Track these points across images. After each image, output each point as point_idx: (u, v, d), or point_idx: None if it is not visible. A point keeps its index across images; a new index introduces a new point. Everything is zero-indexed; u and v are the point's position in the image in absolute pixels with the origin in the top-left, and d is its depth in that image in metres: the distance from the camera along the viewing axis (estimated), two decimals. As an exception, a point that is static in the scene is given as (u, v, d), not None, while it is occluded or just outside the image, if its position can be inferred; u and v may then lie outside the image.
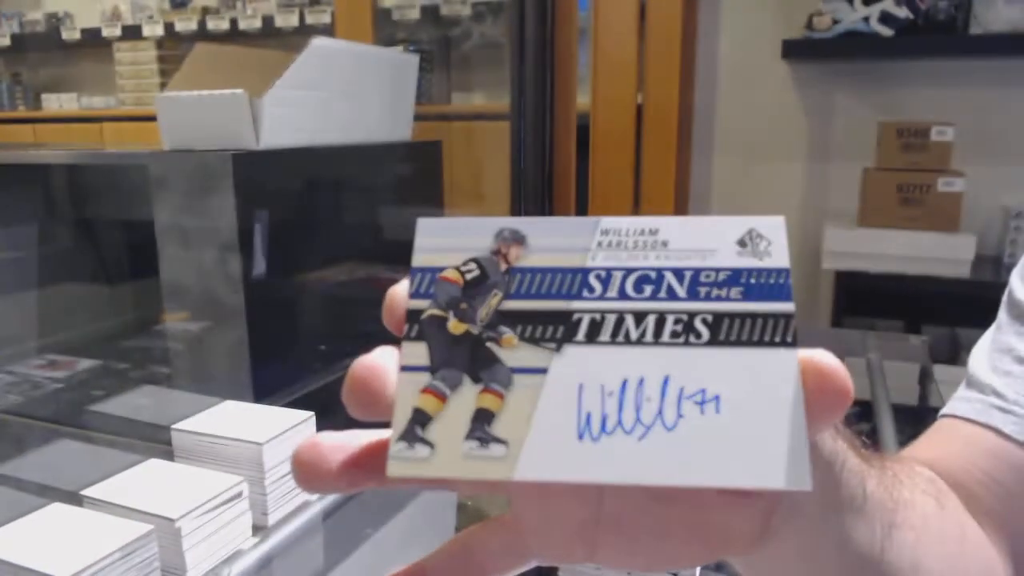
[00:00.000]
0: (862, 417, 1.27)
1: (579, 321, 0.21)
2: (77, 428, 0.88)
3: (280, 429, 0.66)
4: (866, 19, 1.94)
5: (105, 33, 3.35)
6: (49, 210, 1.17)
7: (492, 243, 0.23)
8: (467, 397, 0.21)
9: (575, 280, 0.22)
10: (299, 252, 0.97)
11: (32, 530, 0.53)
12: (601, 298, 0.22)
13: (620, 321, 0.21)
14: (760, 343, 0.21)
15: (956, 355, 1.89)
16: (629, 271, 0.22)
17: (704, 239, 0.23)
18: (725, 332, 0.21)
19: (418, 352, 0.22)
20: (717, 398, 0.20)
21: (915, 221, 1.89)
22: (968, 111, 2.05)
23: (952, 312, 1.96)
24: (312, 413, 0.70)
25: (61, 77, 3.73)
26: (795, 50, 2.07)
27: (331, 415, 0.95)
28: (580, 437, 0.20)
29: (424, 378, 0.21)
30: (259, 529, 0.65)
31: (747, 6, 2.27)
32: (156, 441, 0.71)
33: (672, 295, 0.22)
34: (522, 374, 0.21)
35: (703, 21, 2.31)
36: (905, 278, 1.88)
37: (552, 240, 0.23)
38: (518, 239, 0.23)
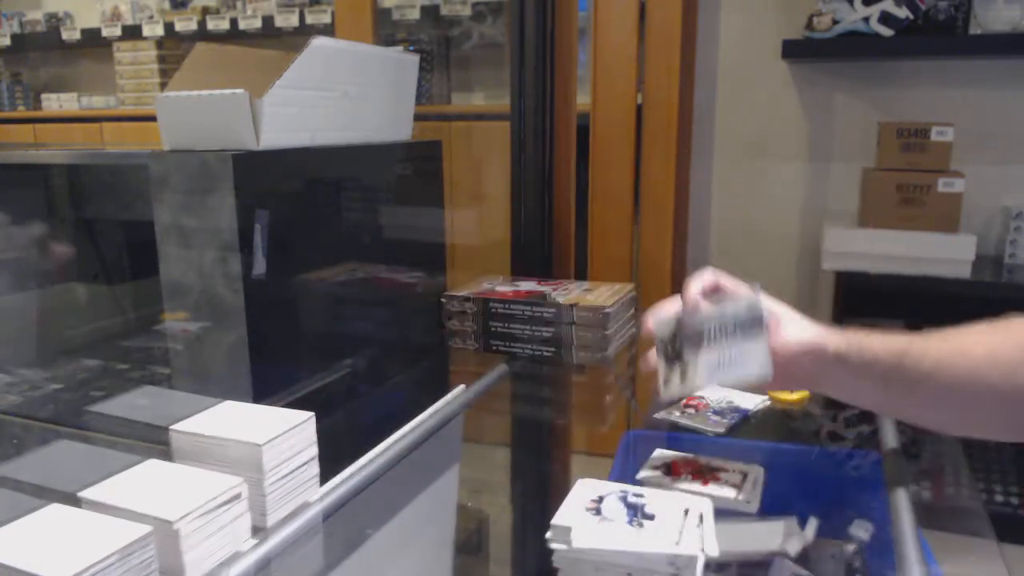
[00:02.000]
0: (863, 418, 1.26)
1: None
2: (76, 429, 0.88)
3: (279, 430, 0.66)
4: (866, 19, 1.94)
5: (105, 33, 3.35)
6: (49, 210, 1.17)
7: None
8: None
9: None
10: (299, 252, 0.96)
11: (30, 532, 0.53)
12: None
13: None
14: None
15: (957, 355, 1.88)
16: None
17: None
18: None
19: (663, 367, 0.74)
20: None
21: (915, 221, 1.89)
22: (968, 111, 2.05)
23: (953, 312, 1.96)
24: (312, 413, 0.70)
25: (61, 77, 3.73)
26: (795, 50, 2.07)
27: (331, 415, 0.94)
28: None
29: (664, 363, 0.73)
30: (258, 530, 0.64)
31: (747, 6, 2.27)
32: (155, 442, 0.71)
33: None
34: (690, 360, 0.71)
35: (703, 21, 2.31)
36: (905, 278, 1.88)
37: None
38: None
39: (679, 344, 0.69)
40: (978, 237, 1.85)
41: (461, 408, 0.99)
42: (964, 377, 0.65)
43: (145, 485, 0.60)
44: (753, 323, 0.67)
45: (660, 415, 1.01)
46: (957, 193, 1.86)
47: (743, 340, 0.67)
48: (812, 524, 0.83)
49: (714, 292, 0.73)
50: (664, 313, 0.73)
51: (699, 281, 0.73)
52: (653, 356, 0.74)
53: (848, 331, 0.70)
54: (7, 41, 3.58)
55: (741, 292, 0.71)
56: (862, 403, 0.76)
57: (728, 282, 0.74)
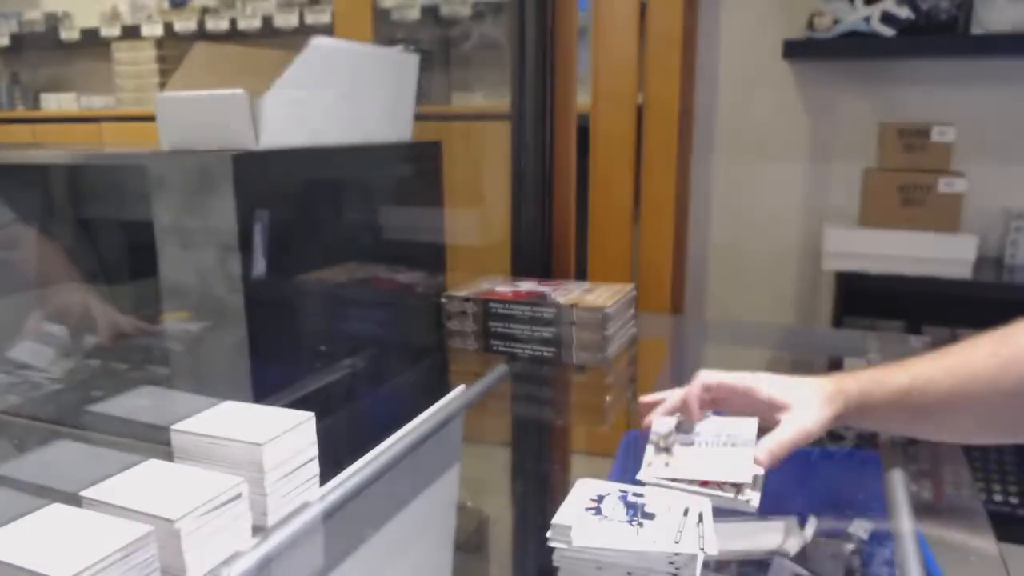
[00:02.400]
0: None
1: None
2: (76, 428, 0.88)
3: (280, 430, 0.66)
4: (867, 19, 1.94)
5: (104, 33, 3.35)
6: (48, 210, 1.17)
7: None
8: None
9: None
10: (299, 252, 0.96)
11: (31, 531, 0.53)
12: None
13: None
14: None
15: (957, 355, 1.89)
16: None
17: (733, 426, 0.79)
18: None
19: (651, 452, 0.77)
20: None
21: (916, 221, 1.89)
22: (969, 111, 2.05)
23: (953, 313, 1.96)
24: (312, 413, 0.70)
25: (60, 77, 3.73)
26: (796, 50, 2.07)
27: (331, 415, 0.94)
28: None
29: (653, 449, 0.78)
30: (259, 530, 0.65)
31: (748, 6, 2.27)
32: (155, 442, 0.71)
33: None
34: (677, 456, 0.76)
35: (704, 21, 2.31)
36: (906, 279, 1.88)
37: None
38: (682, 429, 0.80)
39: (671, 442, 0.78)
40: (979, 238, 1.85)
41: (461, 408, 0.99)
42: (972, 394, 0.71)
43: (146, 484, 0.60)
44: (744, 442, 0.74)
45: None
46: (958, 193, 1.86)
47: (731, 451, 0.74)
48: (811, 523, 0.83)
49: (712, 392, 0.79)
50: (665, 413, 0.81)
51: (699, 386, 0.79)
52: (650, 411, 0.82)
53: (847, 380, 0.75)
54: (6, 41, 3.58)
55: (742, 404, 0.78)
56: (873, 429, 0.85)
57: (725, 379, 0.78)
